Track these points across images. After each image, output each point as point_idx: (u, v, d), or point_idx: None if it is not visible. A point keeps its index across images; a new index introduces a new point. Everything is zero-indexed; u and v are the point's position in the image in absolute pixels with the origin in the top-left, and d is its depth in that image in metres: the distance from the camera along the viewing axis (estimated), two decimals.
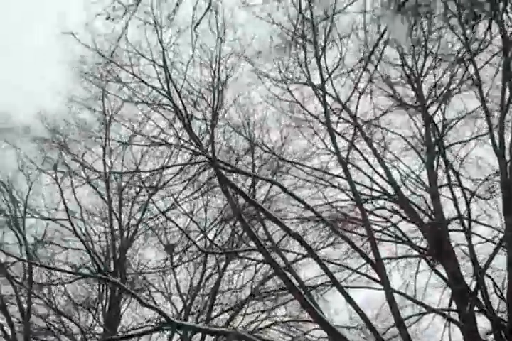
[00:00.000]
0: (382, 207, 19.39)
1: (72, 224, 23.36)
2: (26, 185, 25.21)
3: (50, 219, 25.35)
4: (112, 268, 24.06)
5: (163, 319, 15.81)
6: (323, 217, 17.70)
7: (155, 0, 14.54)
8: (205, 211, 23.66)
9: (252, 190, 18.51)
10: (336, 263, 18.93)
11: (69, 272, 23.07)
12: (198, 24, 10.09)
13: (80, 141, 24.33)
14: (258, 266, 23.29)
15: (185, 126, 17.19)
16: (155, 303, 22.89)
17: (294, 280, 16.46)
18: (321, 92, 17.77)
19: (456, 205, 17.86)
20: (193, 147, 17.41)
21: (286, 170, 20.57)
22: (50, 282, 24.01)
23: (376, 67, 18.32)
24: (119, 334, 22.81)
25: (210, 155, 16.26)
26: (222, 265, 23.69)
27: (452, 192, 18.08)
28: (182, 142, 18.07)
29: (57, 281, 23.91)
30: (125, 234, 25.24)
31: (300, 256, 20.20)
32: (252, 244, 17.97)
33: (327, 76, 17.48)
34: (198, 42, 16.52)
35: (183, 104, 17.31)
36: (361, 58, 18.08)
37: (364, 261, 17.87)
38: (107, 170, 24.46)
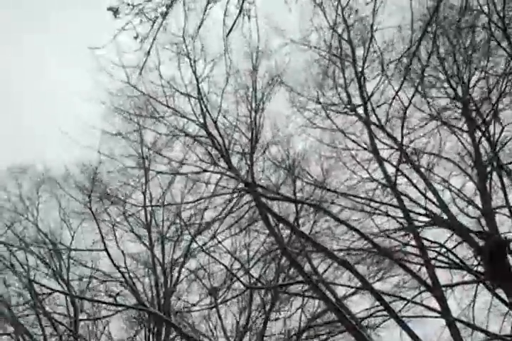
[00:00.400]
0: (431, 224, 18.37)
1: (120, 271, 22.71)
2: (69, 235, 24.80)
3: (95, 268, 24.72)
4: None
5: None
6: (376, 242, 16.75)
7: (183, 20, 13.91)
8: (248, 249, 22.90)
9: (296, 220, 17.64)
10: (390, 294, 17.89)
11: (110, 303, 22.55)
12: (230, 31, 9.47)
13: (120, 188, 23.57)
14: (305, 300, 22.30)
15: (223, 156, 16.64)
16: None
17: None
18: (366, 122, 17.16)
19: None
20: (230, 173, 16.73)
21: (331, 201, 19.64)
22: (94, 317, 23.34)
23: (417, 87, 17.59)
24: None
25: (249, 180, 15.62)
26: (267, 307, 22.80)
27: (511, 212, 17.06)
28: (220, 170, 17.34)
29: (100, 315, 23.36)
30: (168, 279, 24.64)
31: (353, 290, 19.23)
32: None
33: (367, 98, 16.83)
34: (232, 70, 16.07)
35: (219, 133, 16.82)
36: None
37: (417, 291, 17.34)
38: (148, 216, 24.05)
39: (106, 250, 22.77)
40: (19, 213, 24.92)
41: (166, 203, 22.27)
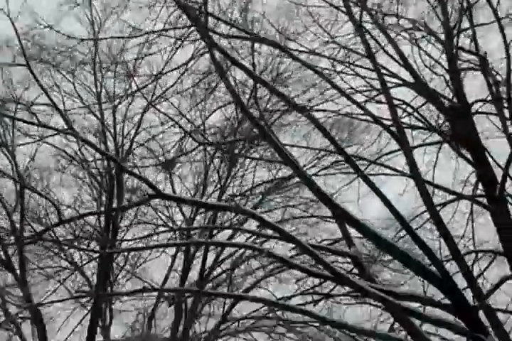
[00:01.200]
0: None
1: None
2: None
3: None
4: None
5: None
6: (348, 94, 15.85)
7: None
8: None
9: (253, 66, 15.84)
10: (355, 156, 17.22)
11: (33, 123, 20.57)
12: None
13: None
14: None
15: None
16: None
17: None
18: None
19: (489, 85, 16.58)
20: None
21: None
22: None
23: None
24: None
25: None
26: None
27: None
28: None
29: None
30: (120, 150, 23.97)
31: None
32: None
33: None
34: None
35: None
36: None
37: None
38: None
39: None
40: None
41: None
